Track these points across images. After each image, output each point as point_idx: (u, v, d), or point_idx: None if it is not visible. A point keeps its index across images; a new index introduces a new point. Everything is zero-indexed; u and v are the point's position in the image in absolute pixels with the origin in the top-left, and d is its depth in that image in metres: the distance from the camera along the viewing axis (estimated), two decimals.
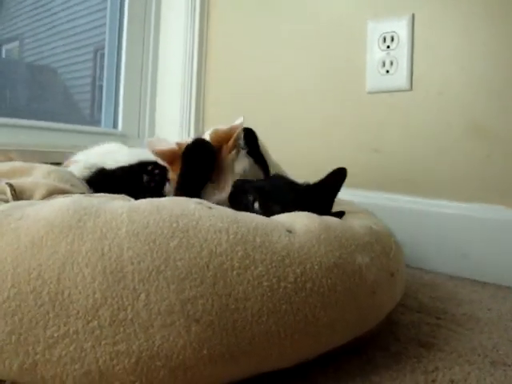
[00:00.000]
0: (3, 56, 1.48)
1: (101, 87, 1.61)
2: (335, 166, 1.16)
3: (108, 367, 0.38)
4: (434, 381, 0.50)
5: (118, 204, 0.45)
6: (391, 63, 1.09)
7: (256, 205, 0.60)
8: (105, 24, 1.55)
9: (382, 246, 0.57)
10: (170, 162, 0.68)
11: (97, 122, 1.60)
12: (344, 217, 0.64)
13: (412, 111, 1.07)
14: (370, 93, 1.13)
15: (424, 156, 1.05)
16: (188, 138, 0.73)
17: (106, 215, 0.42)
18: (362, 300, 0.49)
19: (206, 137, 0.72)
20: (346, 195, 0.79)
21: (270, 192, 0.62)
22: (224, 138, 0.71)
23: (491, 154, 0.96)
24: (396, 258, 0.60)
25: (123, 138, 1.46)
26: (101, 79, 1.62)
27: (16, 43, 1.52)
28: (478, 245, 0.94)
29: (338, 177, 0.64)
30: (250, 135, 0.72)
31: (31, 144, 1.11)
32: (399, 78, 1.08)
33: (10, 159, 0.73)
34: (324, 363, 0.51)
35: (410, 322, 0.68)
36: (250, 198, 0.61)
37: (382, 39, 1.10)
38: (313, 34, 1.24)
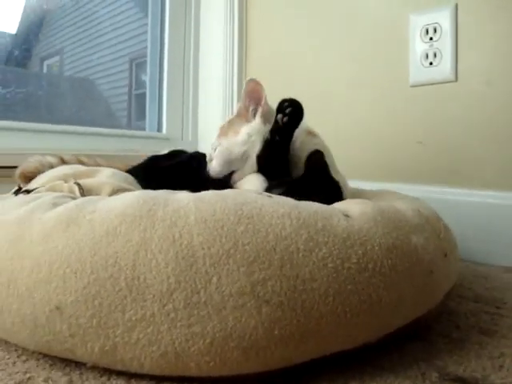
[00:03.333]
0: (44, 71, 1.56)
1: (137, 96, 1.66)
2: (380, 160, 1.17)
3: (184, 348, 0.40)
4: (501, 366, 0.49)
5: (183, 195, 0.47)
6: (435, 55, 1.08)
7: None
8: (140, 34, 1.61)
9: (432, 227, 0.57)
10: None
11: (134, 130, 1.65)
12: (391, 201, 0.64)
13: (457, 102, 1.05)
14: (413, 86, 1.12)
15: (470, 147, 1.03)
16: None
17: (173, 205, 0.44)
18: (420, 279, 0.49)
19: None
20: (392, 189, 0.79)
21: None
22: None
23: None
24: (447, 239, 0.60)
25: (167, 141, 1.50)
26: (136, 88, 1.67)
27: (56, 58, 1.59)
28: None
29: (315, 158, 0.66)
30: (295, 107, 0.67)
31: (83, 149, 1.15)
32: (443, 69, 1.07)
33: (96, 163, 0.77)
34: (388, 348, 0.51)
35: (469, 311, 0.67)
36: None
37: (424, 31, 1.09)
38: (354, 30, 1.25)
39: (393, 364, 0.49)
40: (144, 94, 1.62)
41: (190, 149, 0.93)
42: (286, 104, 0.65)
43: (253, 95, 0.72)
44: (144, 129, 1.57)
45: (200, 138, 1.57)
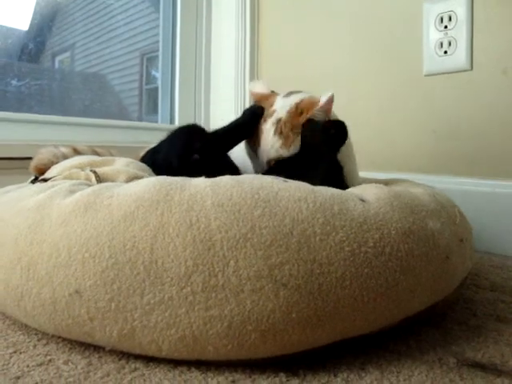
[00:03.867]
0: (56, 66, 1.57)
1: (148, 91, 1.66)
2: (393, 150, 1.15)
3: (202, 332, 0.40)
4: None
5: (199, 180, 0.47)
6: (449, 44, 1.06)
7: None
8: (151, 29, 1.61)
9: (448, 213, 0.57)
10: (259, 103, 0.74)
11: None
12: (406, 187, 0.64)
13: (473, 91, 1.04)
14: (427, 75, 1.11)
15: (486, 137, 1.02)
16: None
17: (190, 189, 0.44)
18: (436, 264, 0.49)
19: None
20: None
21: None
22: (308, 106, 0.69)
23: None
24: (462, 225, 0.59)
25: None
26: (147, 83, 1.68)
27: (68, 53, 1.60)
28: None
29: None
30: (340, 130, 0.68)
31: (96, 141, 1.16)
32: (458, 58, 1.05)
33: (110, 154, 0.77)
34: (404, 335, 0.51)
35: (485, 300, 0.66)
36: None
37: (439, 20, 1.08)
38: (367, 20, 1.24)
39: (410, 349, 0.49)
40: (155, 89, 1.62)
41: None
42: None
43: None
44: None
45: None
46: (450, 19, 1.06)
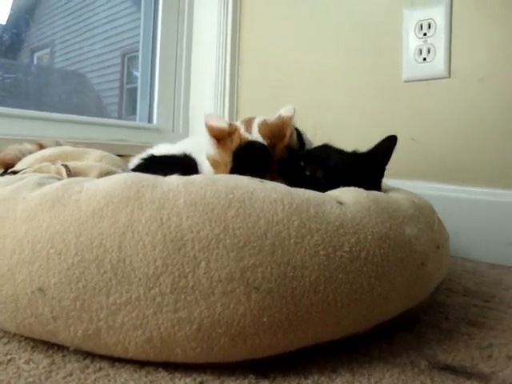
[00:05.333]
0: (35, 62, 1.53)
1: (128, 90, 1.64)
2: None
3: (170, 334, 0.39)
4: (490, 356, 0.49)
5: (173, 178, 0.46)
6: (428, 51, 1.07)
7: (319, 173, 0.59)
8: (132, 29, 1.59)
9: (426, 219, 0.56)
10: (218, 139, 0.66)
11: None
12: (386, 192, 0.64)
13: (451, 98, 1.05)
14: (406, 81, 1.12)
15: (464, 144, 1.03)
16: (237, 122, 0.70)
17: (162, 187, 0.43)
18: (412, 271, 0.49)
19: (255, 129, 0.67)
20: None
21: (327, 159, 0.62)
22: (276, 133, 0.66)
23: None
24: (440, 231, 0.59)
25: (158, 132, 1.48)
26: (128, 82, 1.65)
27: (47, 50, 1.56)
28: None
29: (389, 144, 0.64)
30: (298, 134, 0.68)
31: (73, 137, 1.13)
32: (437, 65, 1.06)
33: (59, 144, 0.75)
34: (377, 339, 0.51)
35: (458, 304, 0.67)
36: (310, 166, 0.60)
37: (418, 27, 1.08)
38: (349, 24, 1.23)
39: (382, 353, 0.49)
40: (136, 89, 1.60)
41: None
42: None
43: None
44: None
45: (191, 130, 1.55)
46: (429, 27, 1.07)
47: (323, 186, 0.59)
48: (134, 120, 1.57)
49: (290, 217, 0.42)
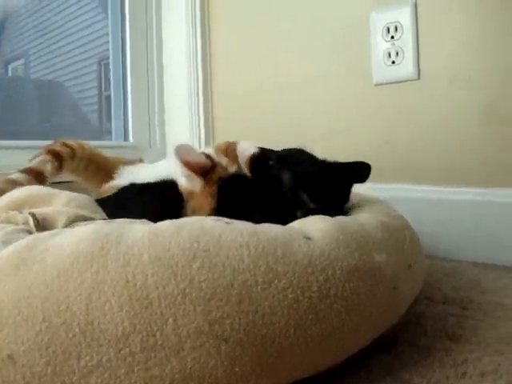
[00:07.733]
0: (9, 74, 1.51)
1: (107, 97, 1.62)
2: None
3: None
4: (464, 373, 0.50)
5: (138, 227, 0.45)
6: (397, 53, 1.07)
7: (285, 175, 0.59)
8: (106, 34, 1.56)
9: (395, 239, 0.57)
10: (202, 175, 0.63)
11: (106, 132, 1.61)
12: (352, 210, 0.64)
13: (421, 101, 1.05)
14: (377, 85, 1.12)
15: (436, 144, 1.04)
16: (210, 149, 0.70)
17: (127, 241, 0.43)
18: (383, 297, 0.49)
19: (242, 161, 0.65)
20: (360, 189, 0.79)
21: (296, 163, 0.62)
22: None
23: (507, 137, 0.94)
24: (411, 249, 0.59)
25: (135, 150, 1.46)
26: (107, 89, 1.63)
27: (21, 61, 1.54)
28: (499, 230, 0.93)
29: (362, 168, 0.66)
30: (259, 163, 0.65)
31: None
32: (406, 67, 1.06)
33: None
34: (354, 364, 0.51)
35: (436, 314, 0.68)
36: (278, 167, 0.60)
37: (385, 30, 1.09)
38: (316, 30, 1.23)
39: (360, 381, 0.49)
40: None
41: (158, 157, 0.90)
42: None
43: None
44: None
45: (168, 145, 1.53)
46: (396, 30, 1.07)
47: (287, 188, 0.60)
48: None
49: (257, 262, 0.42)
